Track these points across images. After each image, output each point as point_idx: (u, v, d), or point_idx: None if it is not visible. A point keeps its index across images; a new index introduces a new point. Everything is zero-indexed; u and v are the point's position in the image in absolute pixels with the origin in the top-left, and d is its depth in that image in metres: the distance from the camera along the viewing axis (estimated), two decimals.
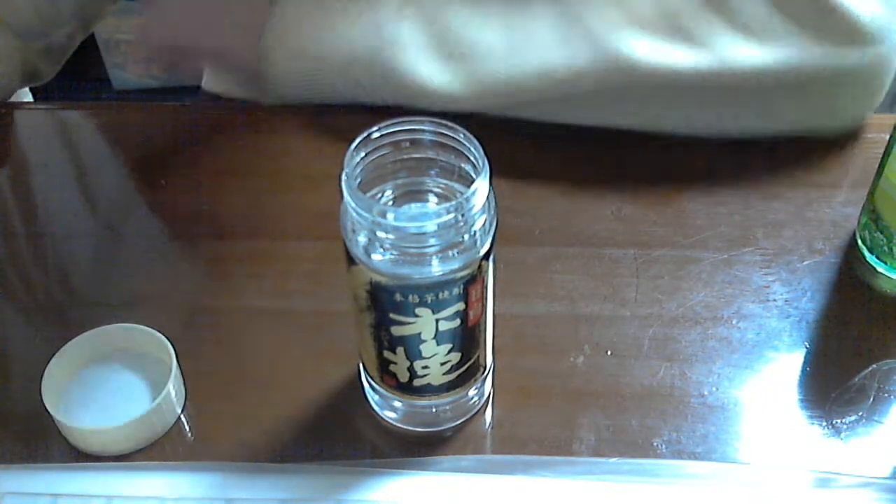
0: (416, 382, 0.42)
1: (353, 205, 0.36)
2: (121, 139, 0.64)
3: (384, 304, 0.39)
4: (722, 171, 0.58)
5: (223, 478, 0.43)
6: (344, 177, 0.37)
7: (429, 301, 0.38)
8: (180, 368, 0.46)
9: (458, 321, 0.39)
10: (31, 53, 0.64)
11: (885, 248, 0.50)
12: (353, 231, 0.38)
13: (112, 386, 0.46)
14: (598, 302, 0.50)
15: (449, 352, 0.41)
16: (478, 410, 0.46)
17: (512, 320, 0.49)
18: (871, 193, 0.51)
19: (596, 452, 0.44)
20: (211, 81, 0.84)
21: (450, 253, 0.37)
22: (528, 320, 0.49)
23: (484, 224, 0.38)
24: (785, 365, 0.48)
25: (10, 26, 0.62)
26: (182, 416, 0.46)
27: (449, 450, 0.44)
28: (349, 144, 0.37)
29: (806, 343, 0.48)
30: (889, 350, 0.48)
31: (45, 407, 0.43)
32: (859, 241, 0.53)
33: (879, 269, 0.51)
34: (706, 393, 0.46)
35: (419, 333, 0.39)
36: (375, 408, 0.46)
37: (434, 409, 0.44)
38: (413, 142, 0.39)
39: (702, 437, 0.44)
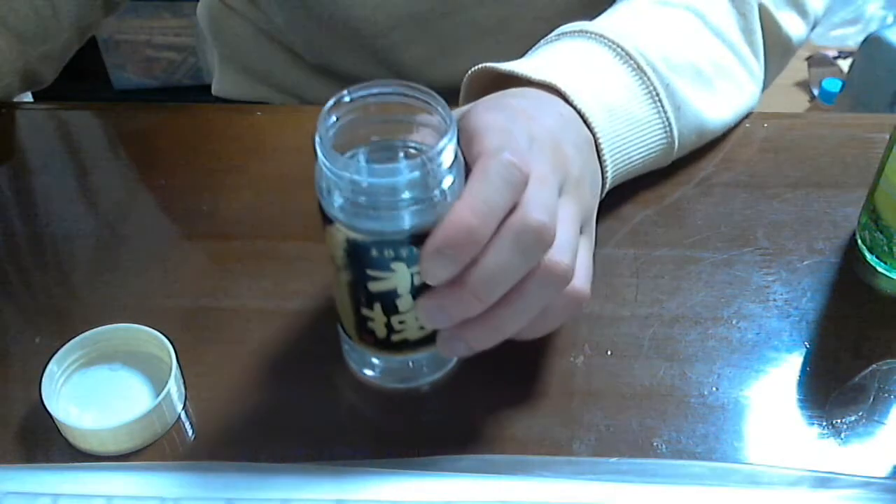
0: (394, 338, 0.43)
1: (327, 164, 0.38)
2: (121, 139, 0.64)
3: (360, 260, 0.40)
4: (722, 171, 0.58)
5: (223, 478, 0.43)
6: (318, 138, 0.38)
7: (403, 255, 0.39)
8: (180, 368, 0.46)
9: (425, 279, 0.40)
10: (31, 58, 0.64)
11: (885, 248, 0.50)
12: (329, 191, 0.39)
13: (112, 386, 0.46)
14: (598, 302, 0.50)
15: None
16: (454, 364, 0.47)
17: None
18: (871, 193, 0.51)
19: (596, 452, 0.44)
20: (220, 84, 0.84)
21: (421, 208, 0.39)
22: None
23: (452, 184, 0.39)
24: (785, 365, 0.48)
25: (12, 31, 0.62)
26: (182, 416, 0.46)
27: (449, 450, 0.44)
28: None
29: (806, 343, 0.49)
30: (889, 350, 0.48)
31: (45, 407, 0.43)
32: (859, 241, 0.53)
33: (879, 269, 0.51)
34: (706, 393, 0.46)
35: (395, 288, 0.41)
36: (354, 366, 0.47)
37: (411, 365, 0.45)
38: (384, 105, 0.40)
39: (702, 437, 0.44)
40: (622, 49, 0.52)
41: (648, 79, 0.52)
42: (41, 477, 0.43)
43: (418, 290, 0.41)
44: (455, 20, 0.68)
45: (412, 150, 0.41)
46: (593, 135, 0.49)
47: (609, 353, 0.48)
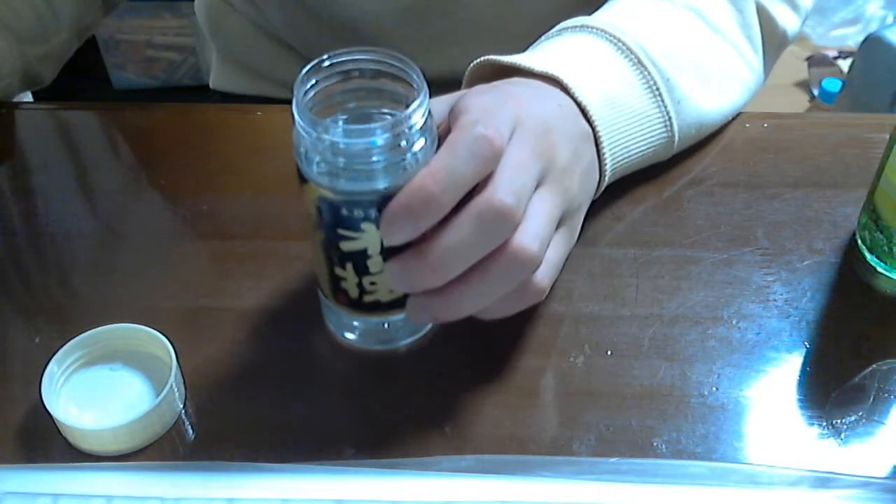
0: (366, 299, 0.44)
1: (302, 124, 0.39)
2: (121, 139, 0.64)
3: (332, 219, 0.41)
4: (722, 171, 0.58)
5: (223, 478, 0.43)
6: (295, 101, 0.40)
7: (373, 216, 0.40)
8: (180, 368, 0.46)
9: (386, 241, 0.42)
10: (31, 58, 0.64)
11: (885, 248, 0.50)
12: (303, 150, 0.41)
13: (112, 386, 0.46)
14: (598, 302, 0.50)
15: None
16: (430, 329, 0.48)
17: (512, 320, 0.49)
18: (871, 193, 0.51)
19: (596, 452, 0.44)
20: (218, 78, 0.84)
21: (391, 170, 0.40)
22: (529, 320, 0.49)
23: (423, 148, 0.40)
24: (785, 365, 0.48)
25: (12, 31, 0.62)
26: (182, 416, 0.46)
27: (449, 450, 0.44)
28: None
29: (806, 343, 0.48)
30: (889, 350, 0.48)
31: (45, 407, 0.43)
32: (859, 241, 0.53)
33: (879, 269, 0.51)
34: (706, 393, 0.46)
35: (365, 249, 0.42)
36: (333, 329, 0.48)
37: (386, 326, 0.47)
38: (361, 71, 0.41)
39: (702, 437, 0.44)
40: (623, 44, 0.53)
41: (649, 73, 0.52)
42: (41, 477, 0.43)
43: (388, 253, 0.42)
44: (455, 19, 0.69)
45: (386, 116, 0.42)
46: (593, 128, 0.49)
47: (609, 353, 0.48)
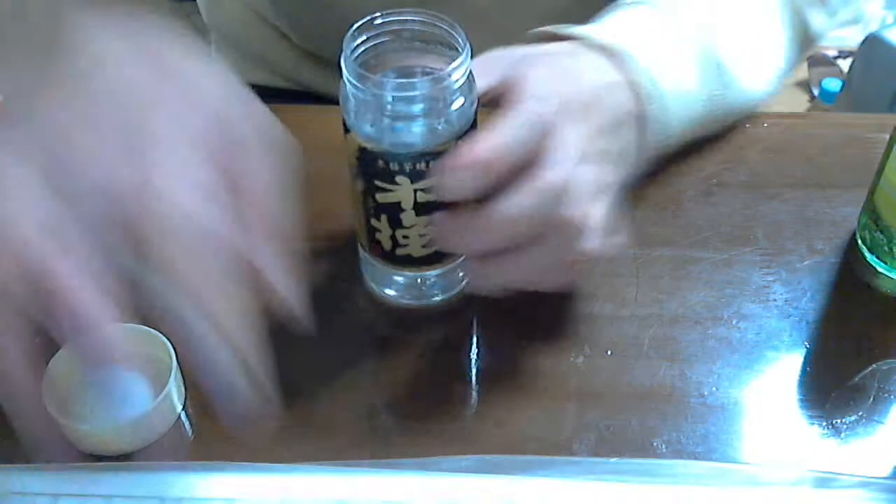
0: (399, 252, 0.46)
1: (348, 77, 0.41)
2: None
3: (369, 169, 0.43)
4: (722, 171, 0.58)
5: (223, 478, 0.43)
6: (343, 55, 0.42)
7: (408, 170, 0.42)
8: (180, 368, 0.46)
9: (434, 195, 0.43)
10: None
11: (885, 248, 0.50)
12: (349, 102, 0.42)
13: (112, 386, 0.46)
14: (598, 302, 0.50)
15: (427, 224, 0.44)
16: (463, 286, 0.49)
17: (512, 320, 0.49)
18: (871, 193, 0.51)
19: (596, 452, 0.44)
20: None
21: (428, 126, 0.42)
22: (529, 320, 0.49)
23: (462, 105, 0.42)
24: (785, 365, 0.48)
25: None
26: (182, 416, 0.46)
27: (449, 450, 0.44)
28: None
29: (806, 343, 0.49)
30: (889, 350, 0.48)
31: (45, 407, 0.43)
32: (859, 241, 0.53)
33: (879, 269, 0.51)
34: (706, 393, 0.46)
35: (400, 202, 0.43)
36: (371, 284, 0.50)
37: (419, 281, 0.48)
38: (410, 31, 0.43)
39: (702, 437, 0.44)
40: (680, 22, 0.54)
41: (703, 54, 0.54)
42: (41, 477, 0.43)
43: (421, 208, 0.44)
44: (454, 15, 0.68)
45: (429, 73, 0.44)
46: (642, 104, 0.50)
47: (609, 353, 0.48)
